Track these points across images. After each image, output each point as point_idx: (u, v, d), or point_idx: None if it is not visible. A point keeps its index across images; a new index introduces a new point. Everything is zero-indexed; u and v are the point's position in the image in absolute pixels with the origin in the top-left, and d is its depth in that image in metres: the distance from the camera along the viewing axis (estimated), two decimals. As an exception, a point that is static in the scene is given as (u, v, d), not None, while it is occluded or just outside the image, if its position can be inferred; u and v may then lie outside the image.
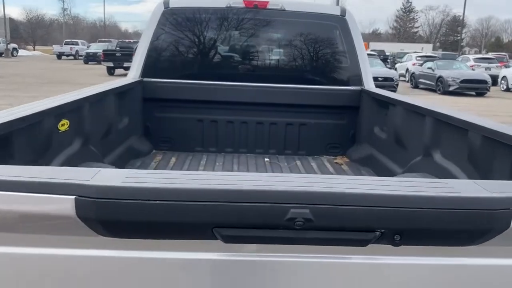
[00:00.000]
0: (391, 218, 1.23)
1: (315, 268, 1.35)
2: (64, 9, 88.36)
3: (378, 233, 1.24)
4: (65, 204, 1.24)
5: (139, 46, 4.57)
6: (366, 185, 1.30)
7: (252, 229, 1.26)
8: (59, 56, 47.15)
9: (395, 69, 28.61)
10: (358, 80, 4.50)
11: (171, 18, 4.52)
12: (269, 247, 1.32)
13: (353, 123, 4.55)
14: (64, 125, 2.70)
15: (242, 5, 4.48)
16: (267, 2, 4.47)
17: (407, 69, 27.46)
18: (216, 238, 1.26)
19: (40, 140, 2.40)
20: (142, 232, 1.30)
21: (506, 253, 1.36)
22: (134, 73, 4.46)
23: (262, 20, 4.60)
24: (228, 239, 1.28)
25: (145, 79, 4.43)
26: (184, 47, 4.62)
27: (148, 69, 4.45)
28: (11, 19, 65.65)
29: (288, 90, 4.49)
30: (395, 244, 1.27)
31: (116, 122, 3.78)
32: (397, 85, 20.85)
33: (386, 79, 20.08)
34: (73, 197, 1.24)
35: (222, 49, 4.81)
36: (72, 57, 46.95)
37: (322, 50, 4.72)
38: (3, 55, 46.24)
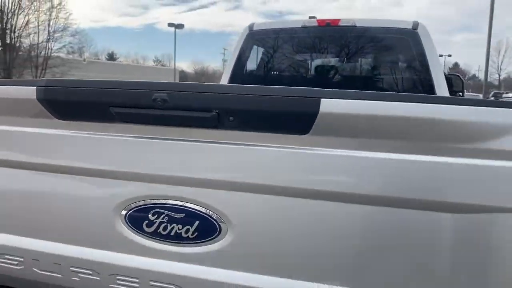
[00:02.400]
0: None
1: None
2: (225, 61, 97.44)
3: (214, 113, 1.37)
4: None
5: (224, 73, 4.58)
6: None
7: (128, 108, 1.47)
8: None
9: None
10: None
11: (255, 40, 4.63)
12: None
13: None
14: None
15: (315, 24, 4.52)
16: (339, 20, 4.47)
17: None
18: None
19: None
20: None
21: None
22: None
23: (336, 38, 4.59)
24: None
25: None
26: (267, 69, 4.61)
27: None
28: (181, 71, 74.74)
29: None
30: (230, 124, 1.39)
31: None
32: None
33: None
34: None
35: (305, 70, 4.70)
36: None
37: (388, 68, 4.44)
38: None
